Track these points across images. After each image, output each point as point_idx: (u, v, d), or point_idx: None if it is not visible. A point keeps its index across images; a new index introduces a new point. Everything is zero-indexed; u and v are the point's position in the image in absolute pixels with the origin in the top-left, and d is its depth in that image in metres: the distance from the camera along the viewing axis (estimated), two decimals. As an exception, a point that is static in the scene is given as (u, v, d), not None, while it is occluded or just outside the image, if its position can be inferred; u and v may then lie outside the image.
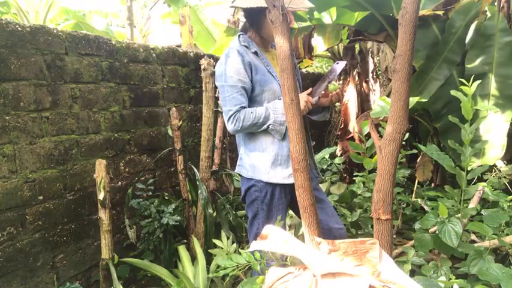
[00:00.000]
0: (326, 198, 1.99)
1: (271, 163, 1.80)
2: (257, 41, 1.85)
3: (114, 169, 2.51)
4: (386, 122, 1.24)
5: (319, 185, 2.14)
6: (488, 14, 2.90)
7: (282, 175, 1.81)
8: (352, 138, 3.99)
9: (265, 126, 1.76)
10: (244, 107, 1.75)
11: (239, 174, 1.94)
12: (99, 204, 2.03)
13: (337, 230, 1.90)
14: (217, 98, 2.83)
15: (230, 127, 1.77)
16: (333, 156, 4.26)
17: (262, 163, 1.81)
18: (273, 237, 1.10)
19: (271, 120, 1.75)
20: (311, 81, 5.21)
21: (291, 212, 2.82)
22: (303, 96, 1.77)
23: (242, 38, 1.84)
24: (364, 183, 2.80)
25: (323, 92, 1.82)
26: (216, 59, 3.14)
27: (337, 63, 1.87)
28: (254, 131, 1.79)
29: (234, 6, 1.85)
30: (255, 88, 1.78)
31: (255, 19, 1.82)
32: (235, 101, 1.74)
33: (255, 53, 1.82)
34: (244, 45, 1.81)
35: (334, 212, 1.96)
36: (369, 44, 4.63)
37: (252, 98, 1.80)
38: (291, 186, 1.83)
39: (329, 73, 1.87)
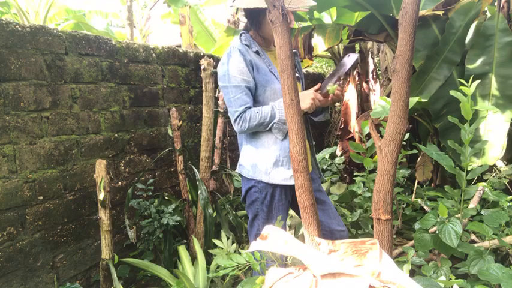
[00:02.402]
0: (328, 199, 1.98)
1: (272, 163, 1.79)
2: (259, 40, 1.84)
3: (114, 169, 2.51)
4: (386, 122, 1.24)
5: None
6: (488, 14, 2.90)
7: (283, 176, 1.79)
8: (352, 138, 3.99)
9: (271, 125, 1.75)
10: (250, 107, 1.73)
11: (240, 175, 1.93)
12: (99, 204, 2.03)
13: (338, 232, 1.89)
14: (217, 98, 2.83)
15: (237, 128, 1.76)
16: (333, 156, 4.26)
17: (264, 163, 1.80)
18: (273, 238, 1.10)
19: (276, 118, 1.73)
20: (311, 81, 5.21)
21: (291, 212, 2.82)
22: (310, 93, 1.74)
23: (244, 37, 1.83)
24: (364, 183, 2.80)
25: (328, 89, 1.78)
26: (216, 59, 3.15)
27: (348, 56, 1.79)
28: (261, 130, 1.78)
29: (233, 6, 1.85)
30: (257, 88, 1.77)
31: (254, 19, 1.81)
32: (240, 101, 1.72)
33: (257, 52, 1.80)
34: (246, 44, 1.80)
35: (336, 214, 1.95)
36: (369, 44, 4.63)
37: (254, 98, 1.79)
38: (292, 187, 1.82)
39: (339, 67, 1.80)
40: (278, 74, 1.79)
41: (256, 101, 1.79)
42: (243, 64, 1.72)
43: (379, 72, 4.66)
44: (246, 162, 1.87)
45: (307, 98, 1.73)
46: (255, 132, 1.82)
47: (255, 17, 1.80)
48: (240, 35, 1.85)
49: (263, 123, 1.73)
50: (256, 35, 1.85)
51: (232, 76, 1.72)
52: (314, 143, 2.06)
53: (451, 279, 1.53)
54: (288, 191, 1.86)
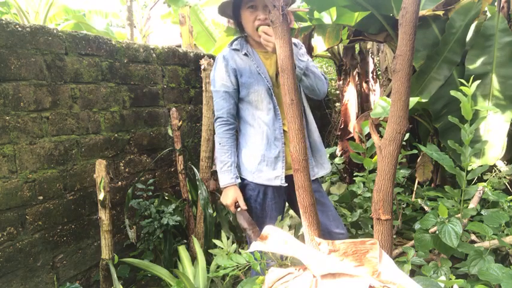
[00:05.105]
0: (328, 201, 1.97)
1: (257, 163, 1.82)
2: (253, 42, 1.86)
3: (114, 169, 2.51)
4: (386, 122, 1.24)
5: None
6: (488, 14, 2.90)
7: (268, 176, 1.81)
8: (352, 138, 3.99)
9: (219, 163, 1.86)
10: (228, 111, 1.84)
11: None
12: (99, 204, 2.03)
13: (337, 234, 1.88)
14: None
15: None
16: (333, 156, 4.26)
17: (250, 163, 1.84)
18: (273, 238, 1.11)
19: (218, 168, 1.86)
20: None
21: (291, 212, 2.82)
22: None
23: (236, 41, 1.89)
24: (364, 183, 2.79)
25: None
26: (216, 59, 3.15)
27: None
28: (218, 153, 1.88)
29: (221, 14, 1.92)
30: (242, 90, 1.83)
31: (236, 22, 1.86)
32: (217, 105, 1.85)
33: (246, 54, 1.84)
34: (235, 49, 1.85)
35: (336, 216, 1.94)
36: (369, 44, 4.62)
37: (242, 99, 1.86)
38: (287, 187, 1.83)
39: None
40: (268, 75, 1.81)
41: (244, 102, 1.86)
42: (224, 70, 1.82)
43: (379, 72, 4.66)
44: (238, 161, 1.91)
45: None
46: (243, 131, 1.88)
47: (235, 19, 1.86)
48: (234, 40, 1.90)
49: (218, 155, 1.85)
50: (249, 38, 1.88)
51: (215, 81, 1.85)
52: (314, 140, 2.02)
53: (451, 279, 1.53)
54: (282, 190, 1.87)
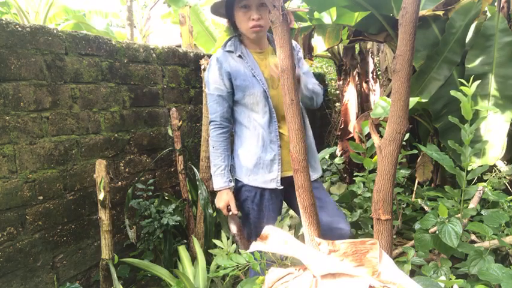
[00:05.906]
0: (326, 196, 1.92)
1: (253, 166, 1.80)
2: (247, 42, 1.83)
3: (114, 169, 2.51)
4: (386, 122, 1.24)
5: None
6: (488, 14, 2.90)
7: (263, 179, 1.80)
8: (352, 138, 3.99)
9: (212, 167, 1.87)
10: (222, 115, 1.83)
11: None
12: (99, 204, 2.03)
13: (337, 230, 1.84)
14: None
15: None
16: (333, 156, 4.26)
17: (245, 165, 1.82)
18: (273, 238, 1.11)
19: (212, 171, 1.86)
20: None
21: (291, 212, 2.82)
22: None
23: (230, 42, 1.84)
24: (364, 183, 2.79)
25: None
26: (216, 59, 3.15)
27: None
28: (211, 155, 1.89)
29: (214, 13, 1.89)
30: (237, 93, 1.80)
31: (230, 20, 1.82)
32: (211, 109, 1.84)
33: (240, 56, 1.80)
34: (229, 51, 1.81)
35: (336, 211, 1.87)
36: (369, 44, 4.62)
37: (237, 102, 1.83)
38: (283, 188, 1.82)
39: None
40: (262, 77, 1.78)
41: (239, 104, 1.83)
42: (217, 73, 1.79)
43: (379, 72, 4.66)
44: (233, 162, 1.90)
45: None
46: (239, 133, 1.86)
47: (229, 18, 1.81)
48: (228, 40, 1.85)
49: (212, 158, 1.86)
50: (243, 37, 1.83)
51: (209, 83, 1.82)
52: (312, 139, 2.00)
53: (451, 279, 1.53)
54: (279, 191, 1.86)
